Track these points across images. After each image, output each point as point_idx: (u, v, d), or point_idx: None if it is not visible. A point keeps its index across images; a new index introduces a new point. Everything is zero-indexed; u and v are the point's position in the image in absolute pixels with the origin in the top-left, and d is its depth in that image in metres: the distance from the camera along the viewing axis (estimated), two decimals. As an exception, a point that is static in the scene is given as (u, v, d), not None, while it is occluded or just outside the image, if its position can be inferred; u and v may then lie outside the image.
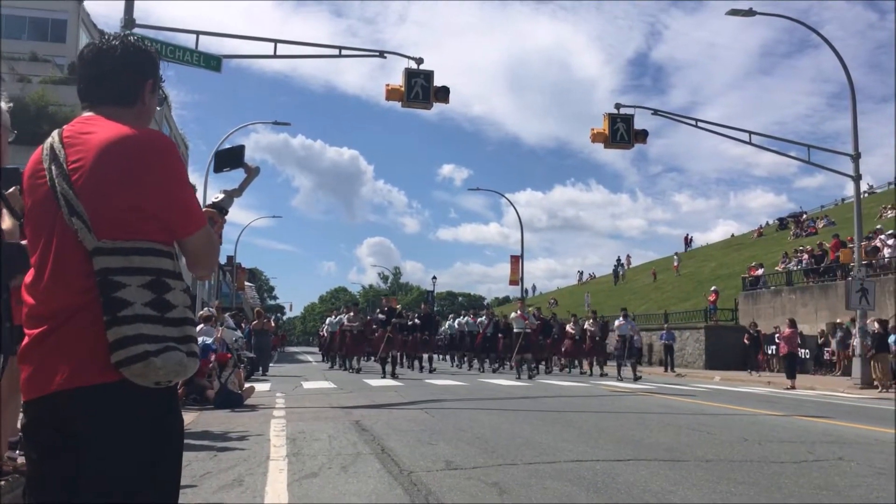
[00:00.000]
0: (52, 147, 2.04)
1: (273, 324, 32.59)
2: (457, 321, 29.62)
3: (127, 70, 2.16)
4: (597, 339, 24.45)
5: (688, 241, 67.01)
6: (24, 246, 2.17)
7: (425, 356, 24.47)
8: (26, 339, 2.00)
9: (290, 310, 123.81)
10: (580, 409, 11.64)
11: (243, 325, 22.27)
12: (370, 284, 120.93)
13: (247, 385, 13.02)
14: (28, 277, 2.06)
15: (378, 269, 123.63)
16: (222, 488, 5.21)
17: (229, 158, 2.71)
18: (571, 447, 7.26)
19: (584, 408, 11.83)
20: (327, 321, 30.31)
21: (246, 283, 65.57)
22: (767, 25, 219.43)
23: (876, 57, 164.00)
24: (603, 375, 23.38)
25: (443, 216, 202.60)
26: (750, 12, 21.46)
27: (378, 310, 24.04)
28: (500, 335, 25.66)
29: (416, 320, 23.91)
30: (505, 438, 7.79)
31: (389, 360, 20.60)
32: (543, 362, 26.18)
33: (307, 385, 16.95)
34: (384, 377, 19.24)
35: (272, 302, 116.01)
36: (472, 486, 5.28)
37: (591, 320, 25.02)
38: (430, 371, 23.13)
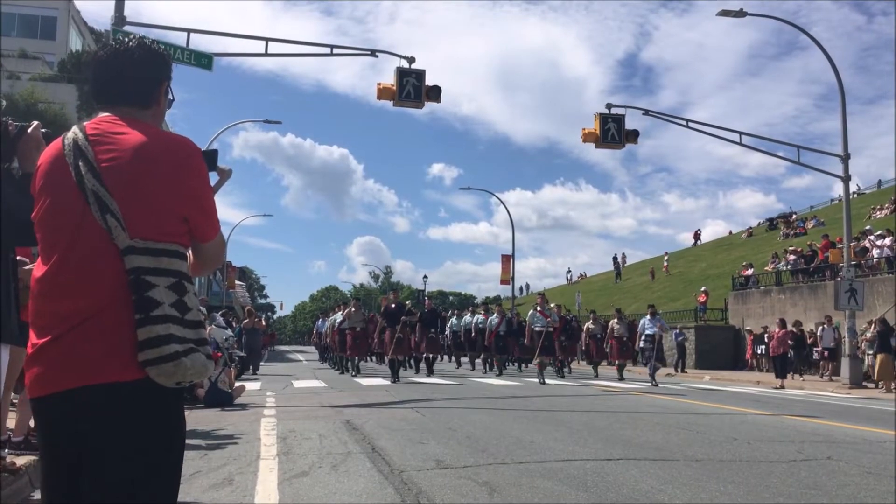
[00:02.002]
0: (75, 143, 2.02)
1: (263, 323, 32.53)
2: (464, 319, 26.45)
3: (145, 72, 2.17)
4: (624, 339, 22.01)
5: (697, 237, 66.89)
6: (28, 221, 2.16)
7: (430, 356, 21.63)
8: (40, 339, 1.98)
9: (281, 308, 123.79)
10: (570, 408, 11.66)
11: (234, 323, 22.22)
12: (361, 283, 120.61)
13: (237, 384, 13.00)
14: (38, 272, 2.03)
15: (369, 267, 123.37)
16: (212, 487, 5.20)
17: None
18: (562, 446, 7.27)
19: (575, 407, 11.85)
20: (331, 318, 26.05)
21: (236, 282, 65.38)
22: (756, 27, 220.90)
23: (863, 59, 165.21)
24: (621, 380, 20.84)
25: (433, 215, 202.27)
26: (741, 13, 21.54)
27: (383, 307, 21.05)
28: (511, 334, 23.31)
29: (414, 315, 20.43)
30: (495, 437, 7.79)
31: (397, 362, 18.45)
32: (566, 364, 23.90)
33: (297, 384, 16.93)
34: (395, 381, 17.23)
35: (263, 301, 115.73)
36: (462, 486, 5.29)
37: (616, 319, 22.56)
38: (430, 373, 20.83)
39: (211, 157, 2.71)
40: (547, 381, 18.49)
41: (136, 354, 1.91)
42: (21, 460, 5.06)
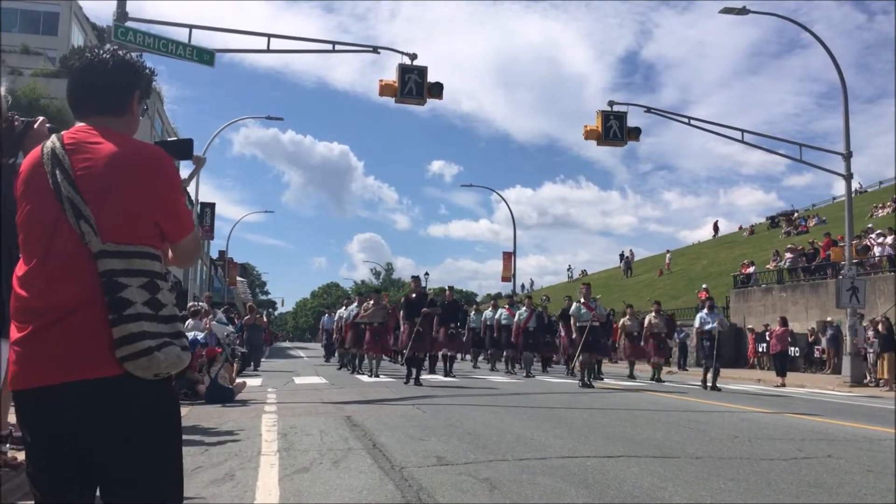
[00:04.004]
0: (53, 152, 2.12)
1: (265, 319, 32.53)
2: (484, 314, 23.94)
3: (117, 82, 2.25)
4: (662, 335, 20.28)
5: (716, 228, 66.65)
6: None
7: (449, 355, 19.75)
8: (20, 333, 2.05)
9: (282, 305, 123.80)
10: (571, 405, 11.66)
11: (235, 320, 22.23)
12: (362, 280, 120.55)
13: (238, 380, 13.02)
14: (20, 271, 2.11)
15: (370, 264, 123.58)
16: (213, 483, 5.21)
17: (177, 150, 2.75)
18: (562, 443, 7.28)
19: (575, 404, 11.85)
20: (339, 313, 23.78)
21: (238, 279, 65.49)
22: (757, 25, 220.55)
23: (863, 58, 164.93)
24: (657, 380, 19.36)
25: (433, 212, 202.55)
26: (743, 10, 21.51)
27: (404, 298, 18.57)
28: (541, 331, 21.68)
29: (437, 307, 17.37)
30: (496, 434, 7.80)
31: (416, 361, 15.97)
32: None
33: (299, 380, 16.94)
34: (416, 383, 15.26)
35: (264, 297, 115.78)
36: (463, 482, 5.29)
37: (653, 313, 20.42)
38: (450, 373, 19.10)
39: (186, 146, 2.74)
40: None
41: (114, 351, 2.00)
42: (22, 455, 5.07)
